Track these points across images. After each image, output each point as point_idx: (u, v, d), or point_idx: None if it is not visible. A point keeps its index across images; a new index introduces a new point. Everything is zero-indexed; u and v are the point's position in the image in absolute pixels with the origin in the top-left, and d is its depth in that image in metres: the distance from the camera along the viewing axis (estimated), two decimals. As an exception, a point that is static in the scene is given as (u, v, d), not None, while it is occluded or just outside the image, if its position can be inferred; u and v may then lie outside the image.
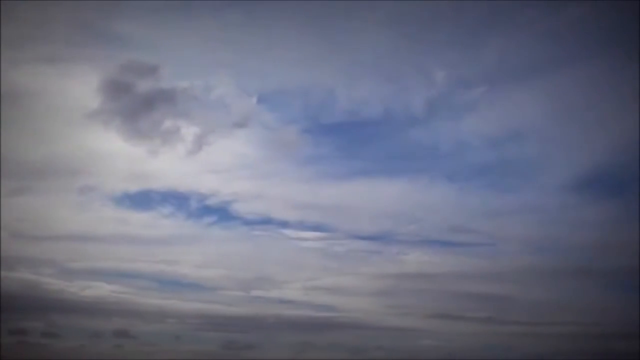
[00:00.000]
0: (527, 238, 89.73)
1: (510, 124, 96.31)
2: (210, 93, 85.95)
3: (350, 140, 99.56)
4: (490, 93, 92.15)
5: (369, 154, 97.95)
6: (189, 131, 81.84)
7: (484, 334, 79.83)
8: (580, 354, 75.11)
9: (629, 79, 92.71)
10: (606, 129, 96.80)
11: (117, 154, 76.82)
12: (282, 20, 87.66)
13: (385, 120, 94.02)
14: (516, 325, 78.00)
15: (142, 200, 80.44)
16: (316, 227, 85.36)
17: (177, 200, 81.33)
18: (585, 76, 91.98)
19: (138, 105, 78.76)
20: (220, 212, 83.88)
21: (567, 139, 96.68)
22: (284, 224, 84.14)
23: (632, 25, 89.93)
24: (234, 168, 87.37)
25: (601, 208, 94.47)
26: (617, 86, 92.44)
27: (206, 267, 78.43)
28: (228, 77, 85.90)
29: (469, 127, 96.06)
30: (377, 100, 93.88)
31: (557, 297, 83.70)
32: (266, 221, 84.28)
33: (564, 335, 77.97)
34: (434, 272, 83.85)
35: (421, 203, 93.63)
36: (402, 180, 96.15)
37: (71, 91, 74.19)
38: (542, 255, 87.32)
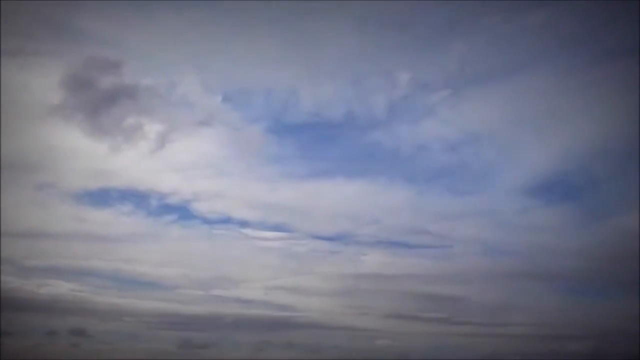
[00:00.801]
0: (483, 240, 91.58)
1: (469, 128, 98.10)
2: (174, 90, 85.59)
3: (312, 140, 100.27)
4: (450, 97, 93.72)
5: (330, 154, 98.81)
6: (151, 128, 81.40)
7: (438, 334, 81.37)
8: (531, 354, 77.20)
9: (584, 85, 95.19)
10: (560, 135, 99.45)
11: (78, 150, 76.27)
12: (247, 20, 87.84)
13: (347, 122, 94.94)
14: (470, 325, 79.68)
15: (102, 197, 79.88)
16: (276, 227, 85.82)
17: (137, 198, 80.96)
18: (542, 82, 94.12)
19: (100, 101, 78.02)
20: (181, 211, 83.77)
21: (523, 144, 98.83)
22: (245, 224, 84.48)
23: (588, 32, 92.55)
24: (196, 167, 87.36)
25: (554, 212, 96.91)
26: (573, 92, 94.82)
27: (165, 265, 78.40)
28: (192, 75, 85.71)
29: (429, 130, 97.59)
30: (340, 102, 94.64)
31: (510, 298, 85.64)
32: (226, 220, 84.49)
33: (516, 335, 79.91)
34: (392, 273, 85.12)
35: (380, 204, 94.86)
36: (362, 182, 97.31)
37: (32, 86, 73.47)
38: (497, 258, 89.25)
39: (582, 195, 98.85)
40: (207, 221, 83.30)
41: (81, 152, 75.97)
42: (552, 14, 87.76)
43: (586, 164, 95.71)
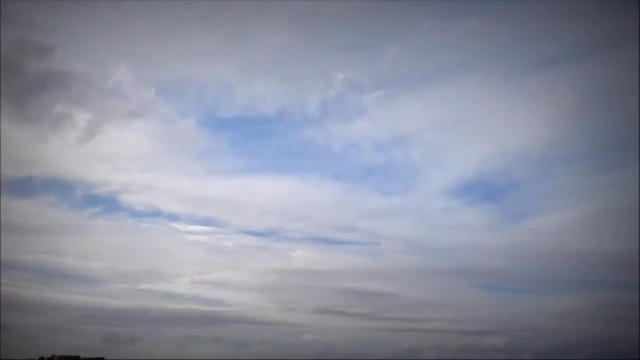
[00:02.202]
0: (408, 239, 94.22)
1: (399, 130, 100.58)
2: (107, 80, 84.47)
3: (244, 136, 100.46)
4: (383, 99, 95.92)
5: (262, 151, 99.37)
6: (81, 118, 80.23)
7: (363, 329, 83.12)
8: (453, 349, 79.99)
9: (508, 93, 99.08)
10: (484, 139, 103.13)
11: (2, 138, 73.80)
12: (183, 13, 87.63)
13: (280, 119, 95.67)
14: (394, 321, 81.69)
15: (25, 187, 78.11)
16: (206, 222, 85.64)
17: (63, 188, 79.41)
18: (470, 88, 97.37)
19: (28, 88, 76.01)
20: (108, 203, 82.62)
21: (449, 147, 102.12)
22: (174, 217, 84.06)
23: (517, 43, 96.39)
24: (125, 158, 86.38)
25: (477, 212, 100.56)
26: (497, 99, 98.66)
27: (91, 259, 77.34)
28: (127, 66, 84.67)
29: (360, 130, 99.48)
30: (274, 99, 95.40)
31: (433, 295, 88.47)
32: (155, 214, 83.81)
33: (436, 331, 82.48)
34: (320, 269, 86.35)
35: (310, 201, 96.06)
36: (292, 178, 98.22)
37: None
38: (421, 256, 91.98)
39: (503, 197, 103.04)
40: (135, 214, 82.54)
41: (5, 139, 73.11)
42: (485, 23, 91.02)
43: (507, 167, 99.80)
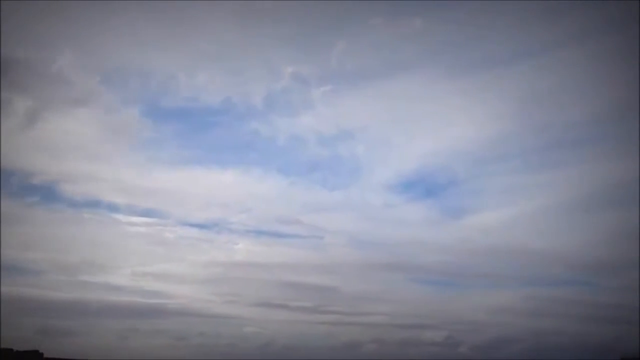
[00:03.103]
0: (351, 233, 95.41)
1: (344, 124, 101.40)
2: (49, 66, 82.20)
3: (188, 126, 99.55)
4: (329, 93, 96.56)
5: (205, 142, 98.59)
6: (21, 104, 77.81)
7: (304, 322, 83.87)
8: (392, 342, 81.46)
9: (453, 90, 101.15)
10: (427, 136, 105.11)
11: None
12: (128, 1, 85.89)
13: (224, 110, 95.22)
14: (335, 314, 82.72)
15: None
16: (147, 213, 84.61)
17: (-1, 176, 77.01)
18: (415, 85, 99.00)
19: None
20: (46, 192, 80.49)
21: (392, 143, 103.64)
22: (114, 208, 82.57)
23: (462, 41, 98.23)
24: (66, 147, 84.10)
25: (418, 208, 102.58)
26: (442, 96, 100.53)
27: (28, 249, 75.29)
28: (70, 52, 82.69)
29: (305, 123, 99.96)
30: (218, 90, 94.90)
31: (374, 289, 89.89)
32: (95, 204, 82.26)
33: (377, 324, 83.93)
34: (262, 262, 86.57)
35: (253, 194, 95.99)
36: (235, 170, 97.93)
37: None
38: (364, 250, 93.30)
39: (443, 194, 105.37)
40: (74, 204, 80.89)
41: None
42: (430, 22, 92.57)
43: (448, 164, 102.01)
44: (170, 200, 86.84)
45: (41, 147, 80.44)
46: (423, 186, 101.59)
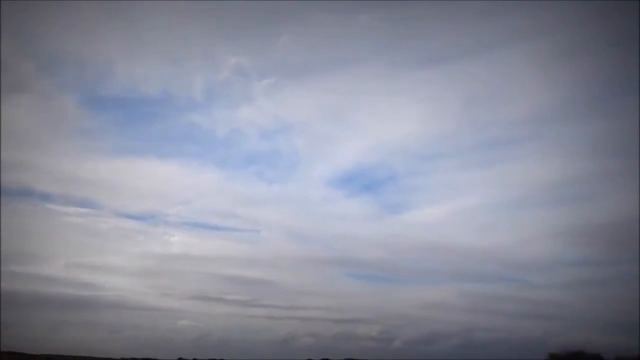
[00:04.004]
0: (288, 227, 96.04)
1: (284, 118, 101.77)
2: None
3: (125, 116, 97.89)
4: (271, 86, 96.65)
5: (143, 132, 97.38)
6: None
7: (240, 315, 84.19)
8: (328, 336, 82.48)
9: (395, 87, 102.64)
10: (367, 131, 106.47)
11: None
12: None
13: (163, 101, 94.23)
14: (271, 308, 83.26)
15: None
16: (82, 203, 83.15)
17: None
18: (358, 80, 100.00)
19: None
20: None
21: (332, 137, 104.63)
22: (48, 198, 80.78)
23: (406, 38, 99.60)
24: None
25: (356, 203, 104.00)
26: (383, 92, 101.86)
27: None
28: (6, 38, 79.89)
29: (245, 116, 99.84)
30: (157, 80, 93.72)
31: (310, 283, 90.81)
32: (28, 193, 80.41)
33: (312, 318, 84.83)
34: (199, 255, 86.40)
35: (191, 186, 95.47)
36: (173, 162, 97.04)
37: None
38: (301, 244, 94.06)
39: (382, 189, 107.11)
40: (6, 193, 78.64)
41: None
42: (374, 18, 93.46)
43: (387, 160, 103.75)
44: (106, 191, 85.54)
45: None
46: (362, 181, 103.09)
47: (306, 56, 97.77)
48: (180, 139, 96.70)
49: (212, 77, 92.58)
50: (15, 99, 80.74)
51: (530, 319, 79.90)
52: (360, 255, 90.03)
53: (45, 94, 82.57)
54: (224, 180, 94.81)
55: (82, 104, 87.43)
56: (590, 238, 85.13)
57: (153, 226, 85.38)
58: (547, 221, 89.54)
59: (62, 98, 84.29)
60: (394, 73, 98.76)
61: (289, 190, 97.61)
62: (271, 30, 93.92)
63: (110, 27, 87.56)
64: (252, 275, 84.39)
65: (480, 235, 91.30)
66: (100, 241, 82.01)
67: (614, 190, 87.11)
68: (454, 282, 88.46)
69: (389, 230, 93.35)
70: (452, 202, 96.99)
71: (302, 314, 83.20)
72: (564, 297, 79.50)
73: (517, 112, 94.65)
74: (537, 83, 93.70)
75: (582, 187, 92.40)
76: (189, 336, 74.24)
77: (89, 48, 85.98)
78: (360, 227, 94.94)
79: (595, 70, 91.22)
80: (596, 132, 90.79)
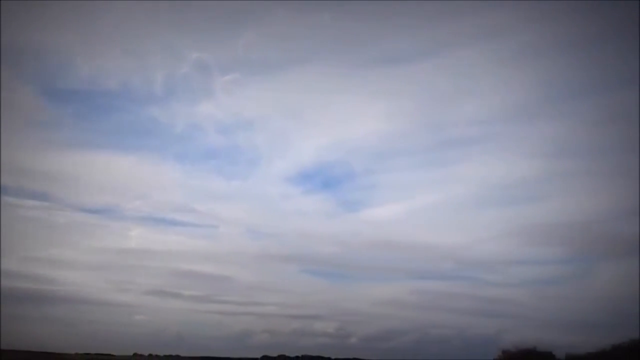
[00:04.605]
0: (247, 223, 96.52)
1: (244, 114, 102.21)
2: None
3: (84, 109, 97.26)
4: (232, 81, 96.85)
5: (102, 125, 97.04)
6: None
7: (198, 311, 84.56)
8: (284, 333, 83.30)
9: (355, 85, 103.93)
10: (326, 129, 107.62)
11: None
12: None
13: (123, 94, 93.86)
14: (228, 304, 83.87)
15: None
16: (38, 196, 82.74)
17: None
18: (319, 77, 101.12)
19: None
20: None
21: (291, 134, 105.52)
22: (3, 190, 79.82)
23: (366, 37, 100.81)
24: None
25: (314, 200, 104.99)
26: (343, 90, 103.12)
27: None
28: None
29: (205, 111, 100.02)
30: (117, 72, 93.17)
31: (267, 279, 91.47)
32: (-17, 186, 79.34)
33: (269, 315, 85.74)
34: (156, 249, 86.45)
35: (149, 180, 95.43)
36: (132, 156, 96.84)
37: None
38: (259, 240, 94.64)
39: (340, 187, 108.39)
40: (-41, 185, 77.68)
41: None
42: (336, 17, 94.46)
43: (346, 158, 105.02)
44: (63, 184, 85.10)
45: None
46: (320, 178, 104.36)
47: (268, 53, 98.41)
48: (139, 133, 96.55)
49: (172, 72, 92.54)
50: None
51: (483, 317, 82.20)
52: (318, 252, 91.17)
53: (2, 85, 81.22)
54: (183, 175, 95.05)
55: (40, 96, 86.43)
56: (543, 238, 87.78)
57: (110, 220, 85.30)
58: (501, 220, 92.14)
59: (20, 89, 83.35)
60: (354, 71, 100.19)
61: (247, 186, 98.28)
62: (234, 26, 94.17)
63: (70, 20, 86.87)
64: (210, 271, 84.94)
65: (436, 233, 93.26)
66: (56, 235, 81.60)
67: (567, 191, 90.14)
68: (409, 279, 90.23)
69: (346, 227, 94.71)
70: (409, 201, 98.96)
71: (259, 310, 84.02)
72: (516, 295, 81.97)
73: (473, 112, 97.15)
74: (492, 84, 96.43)
75: (536, 187, 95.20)
76: (145, 331, 74.38)
77: (48, 40, 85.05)
78: (318, 224, 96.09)
79: (549, 73, 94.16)
80: (550, 133, 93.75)
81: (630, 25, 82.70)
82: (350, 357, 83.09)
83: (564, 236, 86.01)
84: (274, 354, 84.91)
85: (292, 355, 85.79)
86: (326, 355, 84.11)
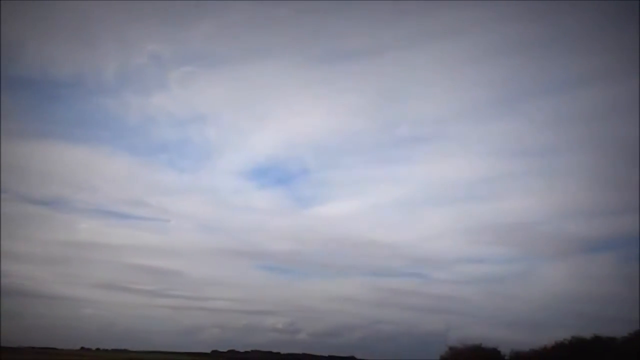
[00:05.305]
0: (199, 217, 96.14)
1: (198, 107, 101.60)
2: None
3: (34, 98, 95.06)
4: (186, 74, 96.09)
5: (52, 115, 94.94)
6: None
7: (146, 305, 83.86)
8: (235, 328, 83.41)
9: (310, 82, 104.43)
10: (282, 124, 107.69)
11: None
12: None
13: (74, 84, 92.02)
14: (181, 299, 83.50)
15: None
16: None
17: None
18: (272, 73, 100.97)
19: None
20: None
21: (245, 129, 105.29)
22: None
23: (321, 33, 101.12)
24: None
25: (267, 195, 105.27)
26: (298, 86, 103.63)
27: None
28: None
29: (158, 103, 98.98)
30: (69, 62, 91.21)
31: (219, 274, 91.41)
32: None
33: (219, 310, 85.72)
34: (106, 243, 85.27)
35: (99, 172, 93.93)
36: (82, 147, 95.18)
37: None
38: (211, 234, 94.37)
39: (293, 183, 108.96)
40: None
41: None
42: (294, 12, 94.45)
43: (300, 154, 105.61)
44: (10, 175, 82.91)
45: None
46: (274, 174, 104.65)
47: (225, 47, 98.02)
48: (91, 124, 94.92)
49: (126, 63, 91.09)
50: None
51: (432, 314, 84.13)
52: (270, 248, 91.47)
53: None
54: (135, 168, 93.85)
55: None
56: (491, 237, 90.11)
57: (59, 212, 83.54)
58: (451, 219, 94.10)
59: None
60: (310, 67, 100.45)
61: (200, 181, 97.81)
62: (191, 18, 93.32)
63: (21, 6, 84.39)
64: (160, 265, 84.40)
65: (387, 230, 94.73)
66: (2, 226, 79.24)
67: (515, 191, 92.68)
68: (360, 276, 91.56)
69: (299, 223, 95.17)
70: (361, 198, 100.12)
71: (210, 305, 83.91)
72: (464, 292, 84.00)
73: (427, 111, 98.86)
74: (447, 83, 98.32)
75: (485, 186, 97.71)
76: (92, 325, 73.35)
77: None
78: (270, 219, 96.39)
79: (499, 74, 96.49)
80: (499, 134, 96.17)
81: (583, 26, 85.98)
82: (300, 352, 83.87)
83: (511, 235, 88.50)
84: (224, 349, 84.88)
85: (242, 350, 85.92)
86: (276, 351, 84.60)
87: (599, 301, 74.36)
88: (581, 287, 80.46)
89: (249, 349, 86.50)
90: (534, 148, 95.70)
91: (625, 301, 69.53)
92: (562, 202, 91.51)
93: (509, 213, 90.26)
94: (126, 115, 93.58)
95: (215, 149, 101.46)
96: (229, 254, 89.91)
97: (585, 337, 40.62)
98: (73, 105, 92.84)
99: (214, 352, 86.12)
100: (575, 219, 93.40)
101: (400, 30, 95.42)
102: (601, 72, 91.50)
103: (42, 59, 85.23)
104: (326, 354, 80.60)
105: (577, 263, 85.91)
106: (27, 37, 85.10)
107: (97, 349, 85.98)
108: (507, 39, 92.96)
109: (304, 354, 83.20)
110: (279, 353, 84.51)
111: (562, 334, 41.90)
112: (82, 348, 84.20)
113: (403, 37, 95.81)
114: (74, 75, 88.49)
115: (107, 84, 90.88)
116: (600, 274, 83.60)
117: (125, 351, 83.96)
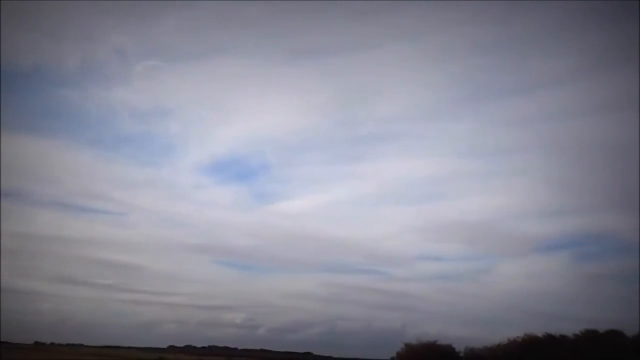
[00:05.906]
0: (159, 211, 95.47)
1: (161, 101, 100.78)
2: None
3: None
4: (150, 68, 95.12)
5: (9, 106, 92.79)
6: None
7: (106, 299, 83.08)
8: (192, 323, 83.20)
9: (271, 78, 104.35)
10: (243, 120, 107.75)
11: None
12: None
13: (34, 74, 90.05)
14: (139, 293, 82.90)
15: None
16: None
17: None
18: (235, 69, 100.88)
19: None
20: None
21: (208, 124, 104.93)
22: None
23: (284, 30, 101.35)
24: None
25: (228, 191, 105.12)
26: (260, 83, 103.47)
27: None
28: None
29: (121, 96, 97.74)
30: (28, 52, 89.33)
31: (178, 269, 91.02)
32: None
33: (180, 305, 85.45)
34: (65, 236, 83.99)
35: (60, 164, 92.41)
36: (42, 139, 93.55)
37: None
38: (171, 229, 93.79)
39: (254, 178, 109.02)
40: None
41: None
42: (260, 10, 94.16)
43: (261, 150, 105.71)
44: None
45: None
46: (235, 169, 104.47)
47: (189, 42, 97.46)
48: (51, 116, 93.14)
49: (88, 55, 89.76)
50: None
51: (389, 310, 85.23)
52: (230, 243, 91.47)
53: None
54: (95, 161, 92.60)
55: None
56: (448, 235, 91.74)
57: (15, 204, 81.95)
58: (409, 217, 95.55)
59: None
60: (275, 64, 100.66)
61: (161, 175, 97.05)
62: (155, 12, 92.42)
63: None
64: (120, 259, 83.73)
65: (346, 227, 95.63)
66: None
67: (473, 190, 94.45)
68: (319, 272, 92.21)
69: (259, 219, 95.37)
70: (322, 195, 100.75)
71: (168, 300, 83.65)
72: (421, 290, 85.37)
73: (385, 110, 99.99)
74: (409, 83, 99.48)
75: (444, 185, 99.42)
76: (49, 320, 72.40)
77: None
78: (231, 215, 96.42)
79: (460, 74, 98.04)
80: (458, 133, 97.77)
81: (543, 29, 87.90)
82: (258, 348, 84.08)
83: (469, 234, 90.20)
84: (181, 344, 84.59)
85: (199, 345, 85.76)
86: (233, 346, 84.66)
87: (553, 299, 76.49)
88: (536, 285, 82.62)
89: (206, 345, 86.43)
90: (493, 148, 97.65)
91: (578, 299, 71.85)
92: (520, 202, 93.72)
93: (468, 212, 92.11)
94: (88, 107, 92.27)
95: (177, 144, 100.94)
96: (189, 249, 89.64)
97: (538, 335, 41.92)
98: (33, 96, 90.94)
99: (171, 347, 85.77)
100: (532, 218, 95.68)
101: (363, 30, 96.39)
102: (560, 75, 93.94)
103: (2, 49, 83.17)
104: (283, 351, 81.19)
105: (533, 261, 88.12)
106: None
107: (52, 344, 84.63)
108: (469, 41, 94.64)
109: (260, 350, 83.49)
110: (236, 349, 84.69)
111: (517, 332, 43.14)
112: (36, 342, 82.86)
113: (367, 36, 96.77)
114: (35, 66, 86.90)
115: (70, 76, 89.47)
116: (555, 272, 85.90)
117: (80, 346, 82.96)
